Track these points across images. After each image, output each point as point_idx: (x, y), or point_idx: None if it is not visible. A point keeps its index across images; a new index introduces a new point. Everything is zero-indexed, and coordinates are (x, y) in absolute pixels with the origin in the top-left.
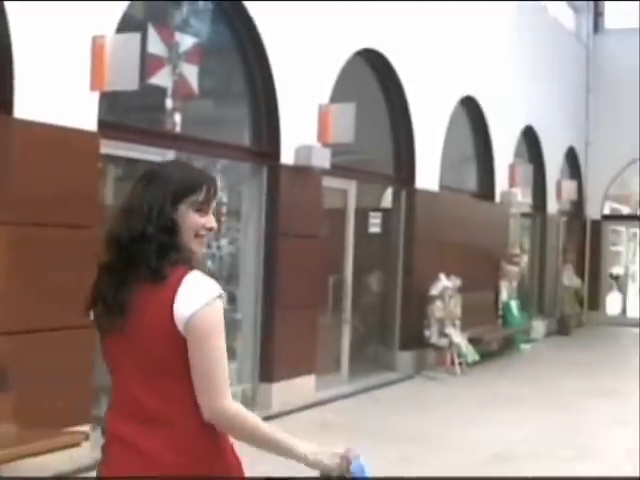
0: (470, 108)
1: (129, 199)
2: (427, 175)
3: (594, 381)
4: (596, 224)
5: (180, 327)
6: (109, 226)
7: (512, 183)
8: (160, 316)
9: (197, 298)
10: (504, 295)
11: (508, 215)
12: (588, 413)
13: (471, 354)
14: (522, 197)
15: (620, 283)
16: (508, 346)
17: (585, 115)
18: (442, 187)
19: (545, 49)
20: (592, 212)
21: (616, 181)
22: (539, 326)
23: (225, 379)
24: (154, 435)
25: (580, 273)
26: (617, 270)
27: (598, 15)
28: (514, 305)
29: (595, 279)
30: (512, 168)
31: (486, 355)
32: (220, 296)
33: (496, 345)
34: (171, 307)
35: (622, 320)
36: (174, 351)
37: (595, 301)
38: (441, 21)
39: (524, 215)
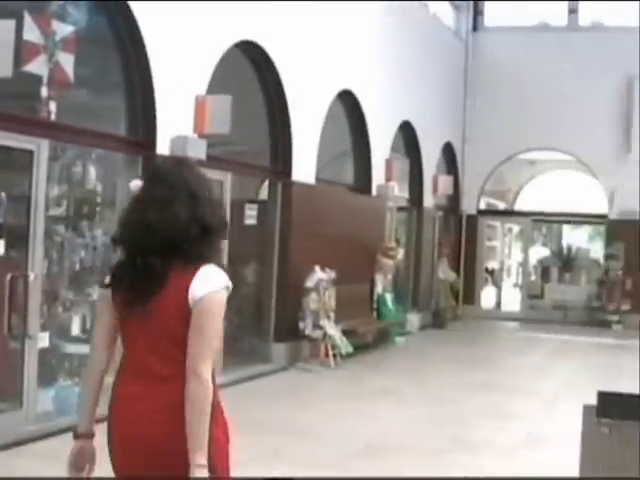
0: (348, 102)
1: (179, 196)
2: (304, 168)
3: (468, 374)
4: (472, 219)
5: (191, 304)
6: (149, 215)
7: (389, 177)
8: (178, 298)
9: (209, 285)
10: (379, 288)
11: (384, 209)
12: (462, 405)
13: (345, 346)
14: (399, 191)
15: (495, 277)
16: (383, 339)
17: (463, 111)
18: (319, 180)
19: (425, 45)
20: (468, 207)
21: (492, 177)
22: (414, 319)
23: (212, 352)
24: (158, 394)
25: (456, 267)
26: (492, 264)
27: (478, 13)
28: (389, 298)
29: (470, 273)
30: (389, 162)
31: (361, 347)
32: (227, 287)
33: (371, 337)
34: (187, 290)
35: (497, 314)
36: (184, 325)
37: (470, 295)
38: (320, 14)
39: (400, 209)
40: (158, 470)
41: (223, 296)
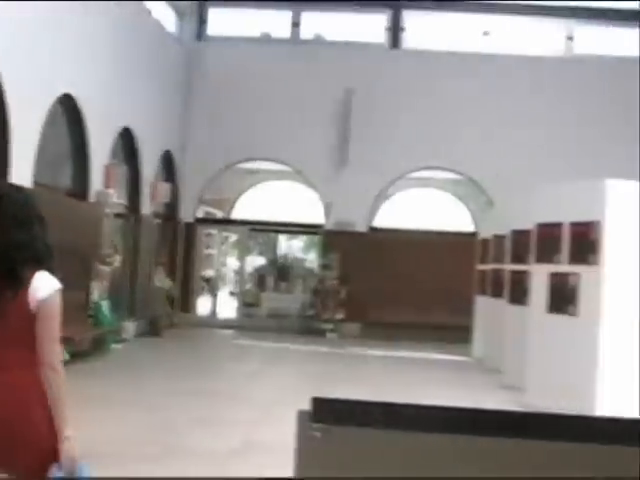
0: (68, 106)
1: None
2: (21, 172)
3: (184, 381)
4: (190, 227)
5: (32, 307)
6: (17, 235)
7: (107, 183)
8: (24, 300)
9: (47, 288)
10: (95, 295)
11: (102, 215)
12: (178, 412)
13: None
14: (117, 198)
15: (212, 285)
16: (98, 346)
17: (183, 119)
18: (36, 184)
19: (147, 52)
20: (186, 215)
21: (211, 185)
22: (130, 326)
23: (57, 345)
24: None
25: (173, 275)
26: (209, 272)
27: (202, 22)
28: (105, 305)
29: (187, 281)
30: (108, 168)
31: (76, 355)
32: (59, 289)
33: (86, 345)
34: (28, 294)
35: (213, 321)
36: (25, 323)
37: (187, 303)
38: (40, 15)
39: (118, 216)
40: (8, 440)
41: (58, 297)
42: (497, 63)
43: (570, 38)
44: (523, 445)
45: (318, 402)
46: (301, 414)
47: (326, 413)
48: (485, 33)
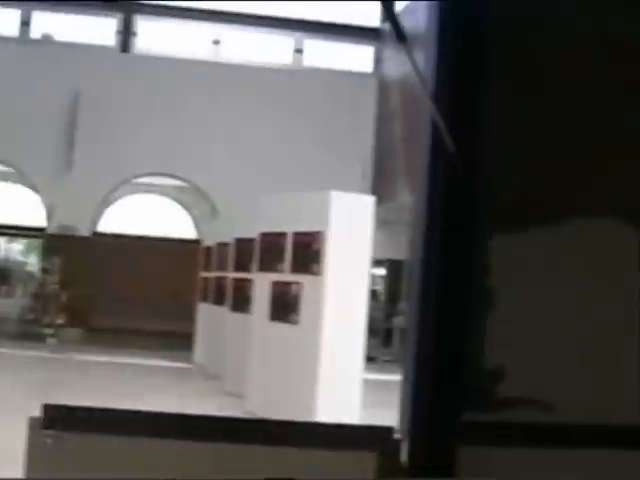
0: None
1: None
2: None
3: None
4: None
5: None
6: None
7: None
8: None
9: None
10: None
11: None
12: None
13: None
14: None
15: None
16: None
17: None
18: None
19: None
20: None
21: None
22: None
23: None
24: None
25: None
26: None
27: None
28: None
29: None
30: None
31: None
32: None
33: None
34: None
35: None
36: None
37: None
38: None
39: None
40: None
41: None
42: (226, 71)
43: (299, 50)
44: (241, 450)
45: (49, 408)
46: (32, 420)
47: (57, 419)
48: (215, 42)
